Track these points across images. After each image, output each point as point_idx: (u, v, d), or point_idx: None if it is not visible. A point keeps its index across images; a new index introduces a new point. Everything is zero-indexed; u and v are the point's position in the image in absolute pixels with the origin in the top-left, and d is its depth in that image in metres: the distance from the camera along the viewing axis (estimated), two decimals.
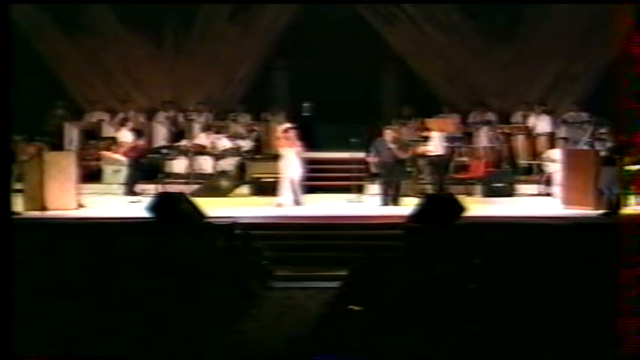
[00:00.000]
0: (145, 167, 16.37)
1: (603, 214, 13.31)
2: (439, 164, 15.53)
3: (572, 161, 14.43)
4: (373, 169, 15.10)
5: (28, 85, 15.97)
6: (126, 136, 16.54)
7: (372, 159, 14.85)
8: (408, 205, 13.47)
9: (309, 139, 15.49)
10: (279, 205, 14.33)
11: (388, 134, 14.71)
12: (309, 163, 14.84)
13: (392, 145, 14.56)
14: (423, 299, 8.17)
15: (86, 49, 18.68)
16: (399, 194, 14.62)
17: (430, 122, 16.20)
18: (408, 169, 15.55)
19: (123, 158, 16.23)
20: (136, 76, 19.05)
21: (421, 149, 15.82)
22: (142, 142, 16.45)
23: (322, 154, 16.45)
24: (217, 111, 18.83)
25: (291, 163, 14.43)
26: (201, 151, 17.28)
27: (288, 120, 17.03)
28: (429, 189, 15.17)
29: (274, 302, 10.29)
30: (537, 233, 11.33)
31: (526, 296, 8.24)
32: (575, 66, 18.37)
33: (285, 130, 14.74)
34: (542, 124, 17.76)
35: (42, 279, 8.87)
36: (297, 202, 14.43)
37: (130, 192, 15.68)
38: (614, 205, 13.32)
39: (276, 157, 15.18)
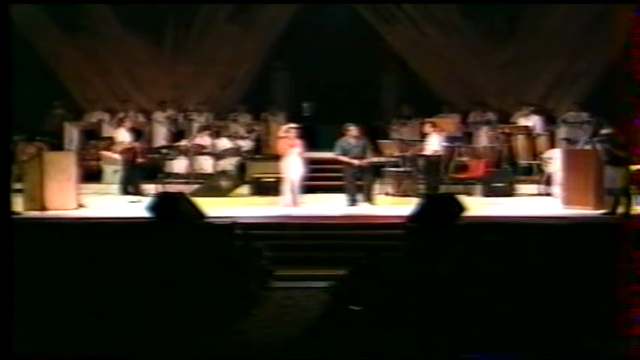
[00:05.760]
0: (143, 167, 16.34)
1: (609, 214, 13.24)
2: (435, 163, 15.50)
3: (572, 161, 14.42)
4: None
5: (28, 85, 15.94)
6: (123, 135, 16.51)
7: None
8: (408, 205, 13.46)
9: (310, 139, 15.47)
10: (285, 205, 14.35)
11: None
12: (309, 163, 14.82)
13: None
14: (423, 299, 8.17)
15: (86, 49, 18.69)
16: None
17: (434, 121, 16.16)
18: (408, 168, 15.57)
19: (120, 157, 16.19)
20: (136, 76, 19.07)
21: (419, 148, 15.82)
22: (137, 143, 16.39)
23: (322, 154, 16.42)
24: (217, 111, 18.84)
25: (292, 164, 14.42)
26: (201, 151, 17.27)
27: (288, 120, 17.01)
28: (423, 188, 15.16)
29: (274, 302, 10.28)
30: (537, 233, 11.31)
31: (526, 296, 8.24)
32: (575, 66, 18.36)
33: (287, 130, 14.72)
34: (532, 124, 17.72)
35: (42, 279, 8.86)
36: (294, 202, 14.42)
37: (125, 192, 15.63)
38: (626, 206, 13.20)
39: (276, 157, 15.15)
